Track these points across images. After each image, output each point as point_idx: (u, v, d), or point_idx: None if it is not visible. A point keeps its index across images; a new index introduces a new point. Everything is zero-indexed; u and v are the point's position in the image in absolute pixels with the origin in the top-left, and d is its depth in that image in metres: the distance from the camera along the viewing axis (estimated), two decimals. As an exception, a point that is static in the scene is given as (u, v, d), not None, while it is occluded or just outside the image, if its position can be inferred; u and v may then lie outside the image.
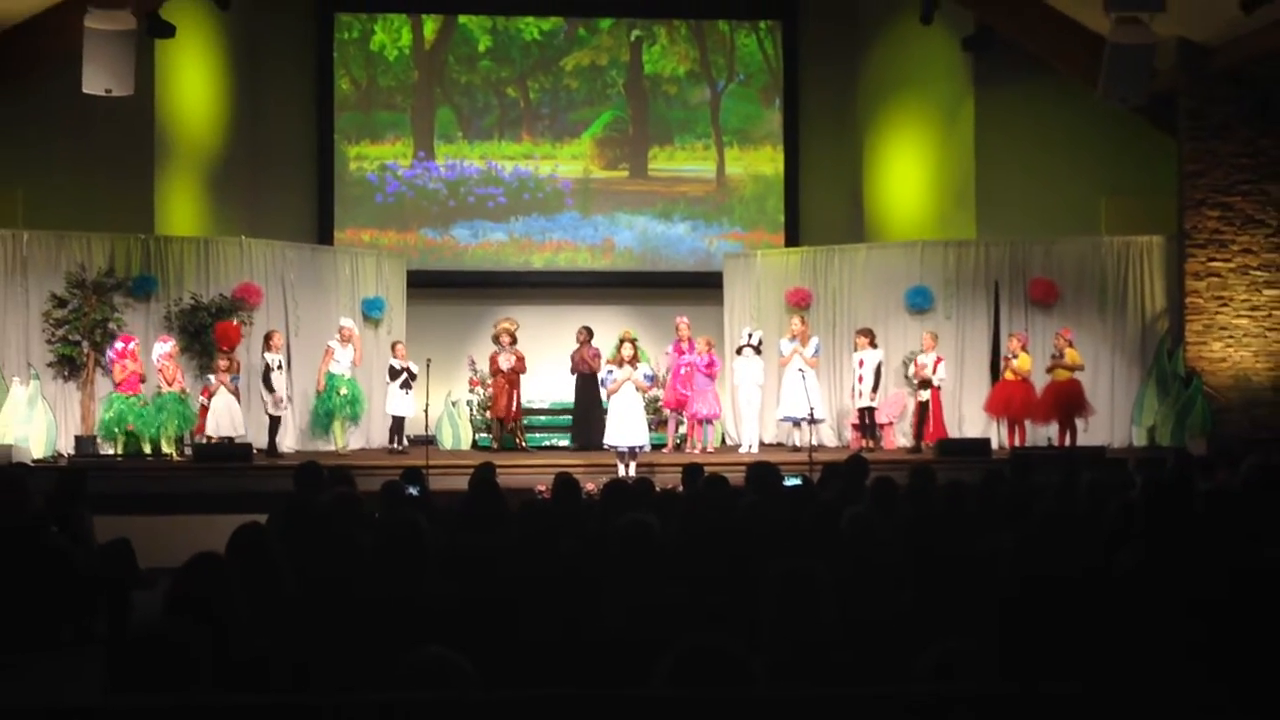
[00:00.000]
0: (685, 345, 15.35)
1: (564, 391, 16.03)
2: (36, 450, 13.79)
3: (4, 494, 8.03)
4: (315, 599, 4.74)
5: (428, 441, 14.72)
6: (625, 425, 13.56)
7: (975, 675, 3.29)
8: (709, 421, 15.34)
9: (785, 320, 16.19)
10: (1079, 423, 14.80)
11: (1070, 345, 14.79)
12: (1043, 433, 15.12)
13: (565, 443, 15.90)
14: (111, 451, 14.00)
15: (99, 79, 12.68)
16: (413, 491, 8.11)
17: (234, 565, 4.60)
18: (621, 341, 14.15)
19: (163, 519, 11.33)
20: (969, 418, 15.77)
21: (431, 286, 18.03)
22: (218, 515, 9.44)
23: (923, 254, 16.33)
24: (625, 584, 4.70)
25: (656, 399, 15.54)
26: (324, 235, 18.42)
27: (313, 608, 4.62)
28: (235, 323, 14.95)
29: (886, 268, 16.43)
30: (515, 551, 5.49)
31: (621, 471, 13.06)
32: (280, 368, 14.75)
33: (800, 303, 16.50)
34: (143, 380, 14.14)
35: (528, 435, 16.05)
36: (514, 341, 15.75)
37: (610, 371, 13.94)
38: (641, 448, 13.71)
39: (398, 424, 15.44)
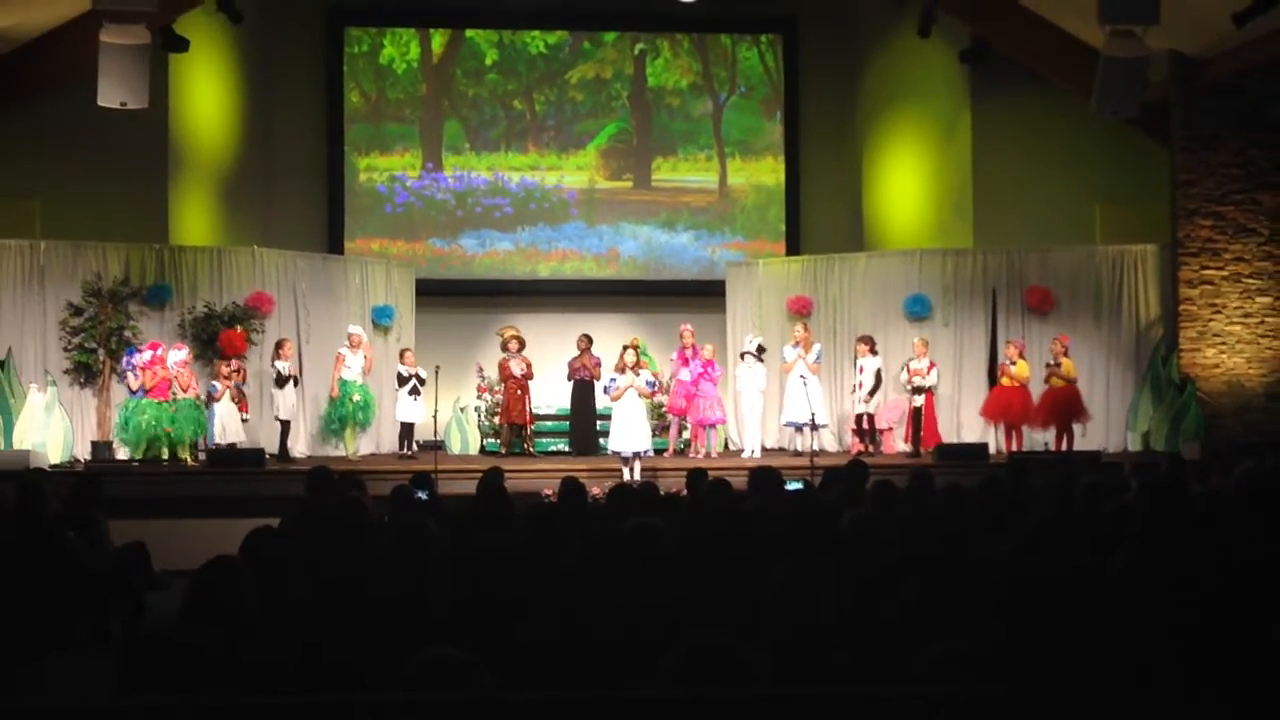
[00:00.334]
0: (690, 352, 15.61)
1: (568, 398, 16.25)
2: (53, 456, 13.98)
3: (22, 499, 8.24)
4: (327, 601, 4.82)
5: (436, 447, 14.93)
6: (628, 431, 13.80)
7: (972, 676, 3.35)
8: (713, 427, 15.61)
9: (787, 328, 16.42)
10: (1076, 428, 15.02)
11: (1066, 353, 14.97)
12: (1039, 438, 15.30)
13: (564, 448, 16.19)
14: (128, 457, 14.18)
15: (114, 92, 12.79)
16: (422, 496, 8.23)
17: (247, 568, 4.67)
18: (625, 348, 14.39)
19: (177, 523, 11.53)
20: (967, 423, 15.96)
21: (440, 295, 18.25)
22: (230, 519, 9.60)
23: (921, 262, 16.53)
24: (632, 585, 4.78)
25: (660, 404, 15.78)
26: (334, 245, 18.66)
27: (324, 609, 4.69)
28: (240, 330, 15.18)
29: (886, 276, 16.63)
30: (522, 553, 5.57)
31: (625, 476, 13.31)
32: (290, 375, 14.99)
33: (801, 310, 16.72)
34: (170, 387, 14.33)
35: (535, 441, 16.31)
36: (522, 347, 16.00)
37: (613, 378, 14.16)
38: (645, 453, 13.94)
39: (407, 430, 15.65)
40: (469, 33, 19.32)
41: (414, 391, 15.48)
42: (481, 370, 16.62)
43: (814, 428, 14.53)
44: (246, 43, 18.04)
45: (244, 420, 14.78)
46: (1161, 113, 15.35)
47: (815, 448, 14.57)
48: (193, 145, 17.16)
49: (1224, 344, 15.24)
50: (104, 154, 15.98)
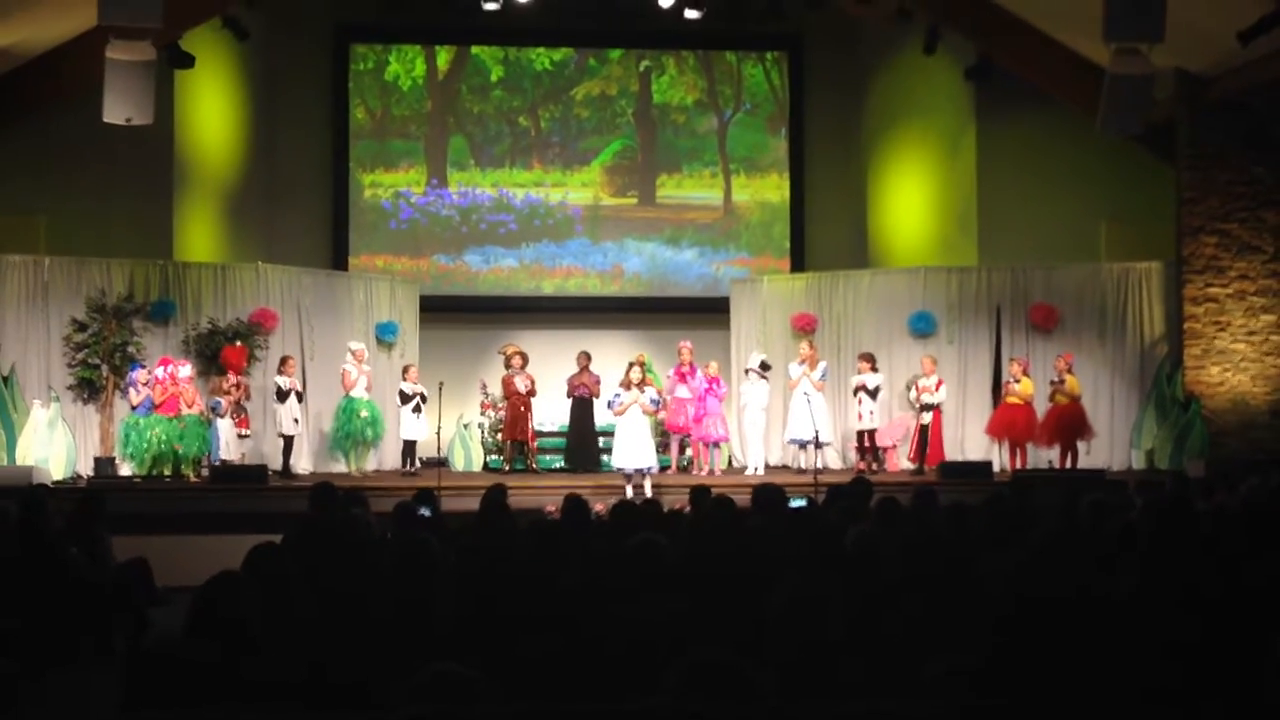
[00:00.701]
0: (687, 369, 15.60)
1: (568, 415, 16.22)
2: (56, 472, 13.98)
3: (25, 514, 8.25)
4: (330, 617, 4.82)
5: (439, 463, 14.94)
6: (632, 447, 13.78)
7: (974, 691, 3.35)
8: (716, 444, 15.59)
9: (791, 345, 16.43)
10: (1080, 445, 14.99)
11: (1070, 370, 14.96)
12: (1044, 455, 15.29)
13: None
14: (132, 473, 14.19)
15: (119, 109, 12.80)
16: (425, 512, 8.23)
17: (251, 584, 4.65)
18: (631, 365, 14.36)
19: (179, 539, 11.53)
20: (971, 441, 15.96)
21: (444, 311, 18.26)
22: (233, 535, 9.60)
23: (926, 280, 16.54)
24: (635, 602, 4.77)
25: (660, 421, 15.76)
26: (339, 261, 18.67)
27: (328, 626, 4.70)
28: (241, 346, 15.15)
29: (890, 293, 16.64)
30: (525, 570, 5.58)
31: (629, 493, 13.28)
32: (290, 390, 14.98)
33: (806, 327, 16.72)
34: (180, 403, 14.31)
35: (538, 457, 16.30)
36: (525, 364, 16.01)
37: (618, 394, 14.14)
38: (649, 469, 13.93)
39: (409, 447, 15.66)
40: (474, 49, 19.37)
41: (417, 409, 15.49)
42: (485, 387, 16.62)
43: (818, 445, 14.52)
44: (252, 59, 18.09)
45: (243, 436, 14.80)
46: (1167, 130, 15.36)
47: (819, 465, 14.55)
48: (198, 161, 17.21)
49: (1228, 362, 15.22)
50: (109, 170, 16.03)
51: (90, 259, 15.38)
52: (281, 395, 14.93)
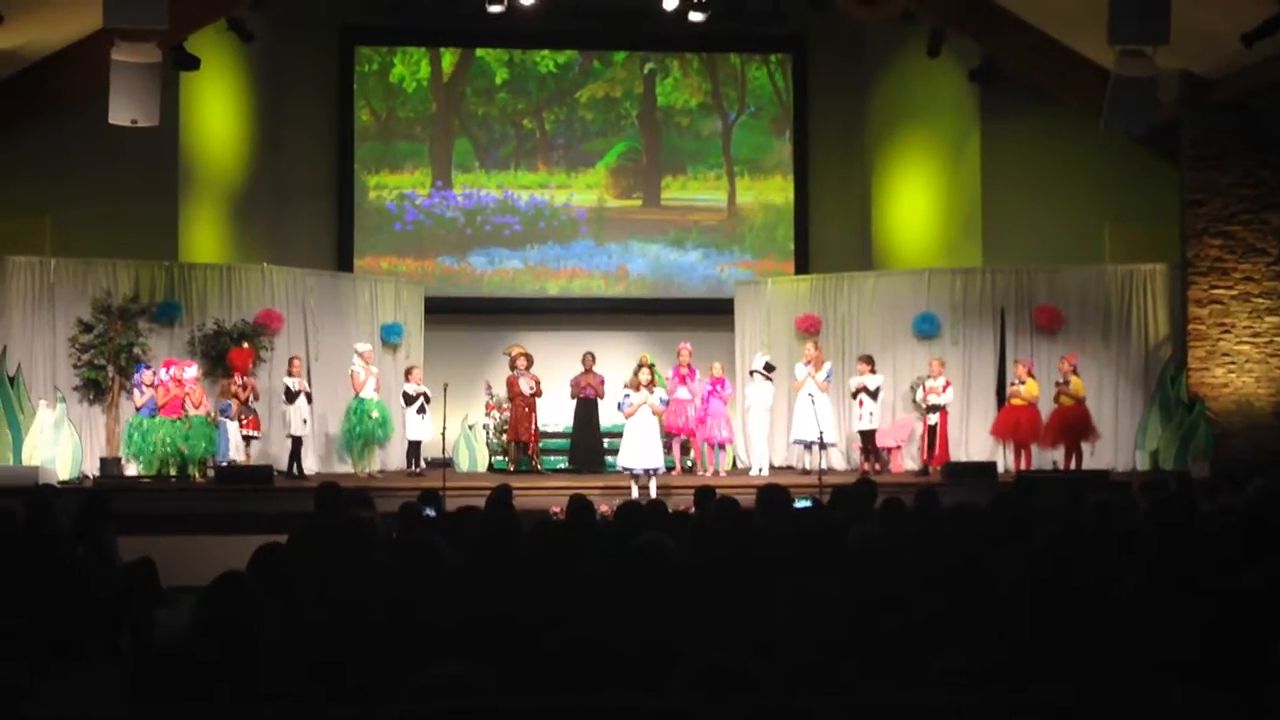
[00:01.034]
0: (686, 370, 15.61)
1: (573, 416, 16.23)
2: (62, 472, 14.00)
3: (31, 515, 8.26)
4: (335, 617, 4.81)
5: (445, 464, 14.97)
6: (641, 448, 13.78)
7: (978, 689, 3.37)
8: (721, 446, 15.59)
9: (795, 346, 16.45)
10: (1084, 447, 15.00)
11: (1075, 371, 14.97)
12: (1048, 456, 15.30)
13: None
14: (138, 473, 14.23)
15: (125, 110, 12.83)
16: (430, 513, 8.29)
17: (257, 584, 4.67)
18: (640, 366, 14.37)
19: (185, 539, 11.52)
20: (975, 442, 15.97)
21: (449, 313, 18.31)
22: (238, 536, 9.60)
23: (930, 281, 16.57)
24: (642, 601, 4.79)
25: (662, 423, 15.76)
26: (344, 262, 18.71)
27: (333, 626, 4.69)
28: (247, 348, 15.19)
29: (894, 295, 16.66)
30: (530, 570, 5.57)
31: (635, 493, 13.29)
32: (299, 391, 15.01)
33: (810, 329, 16.74)
34: (183, 405, 14.34)
35: (543, 458, 16.32)
36: (530, 365, 16.04)
37: (627, 395, 14.12)
38: (657, 470, 13.94)
39: (414, 447, 15.71)
40: (479, 52, 19.40)
41: (421, 410, 15.53)
42: (490, 388, 16.65)
43: (822, 446, 14.53)
44: (257, 61, 18.13)
45: (250, 437, 14.83)
46: (1171, 132, 15.36)
47: (823, 466, 14.57)
48: (203, 163, 17.24)
49: (1233, 363, 15.22)
50: (115, 172, 16.03)
51: (96, 260, 15.42)
52: (290, 396, 14.97)
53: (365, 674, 4.20)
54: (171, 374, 14.37)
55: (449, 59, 19.41)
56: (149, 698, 3.74)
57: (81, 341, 15.07)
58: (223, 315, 15.59)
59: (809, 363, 15.50)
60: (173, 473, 14.18)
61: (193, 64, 15.93)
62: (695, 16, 16.91)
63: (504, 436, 16.18)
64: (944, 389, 15.29)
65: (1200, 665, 4.12)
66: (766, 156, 19.61)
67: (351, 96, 19.11)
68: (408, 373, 15.88)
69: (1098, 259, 16.76)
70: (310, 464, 15.46)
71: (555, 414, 16.82)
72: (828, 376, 15.49)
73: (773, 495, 8.07)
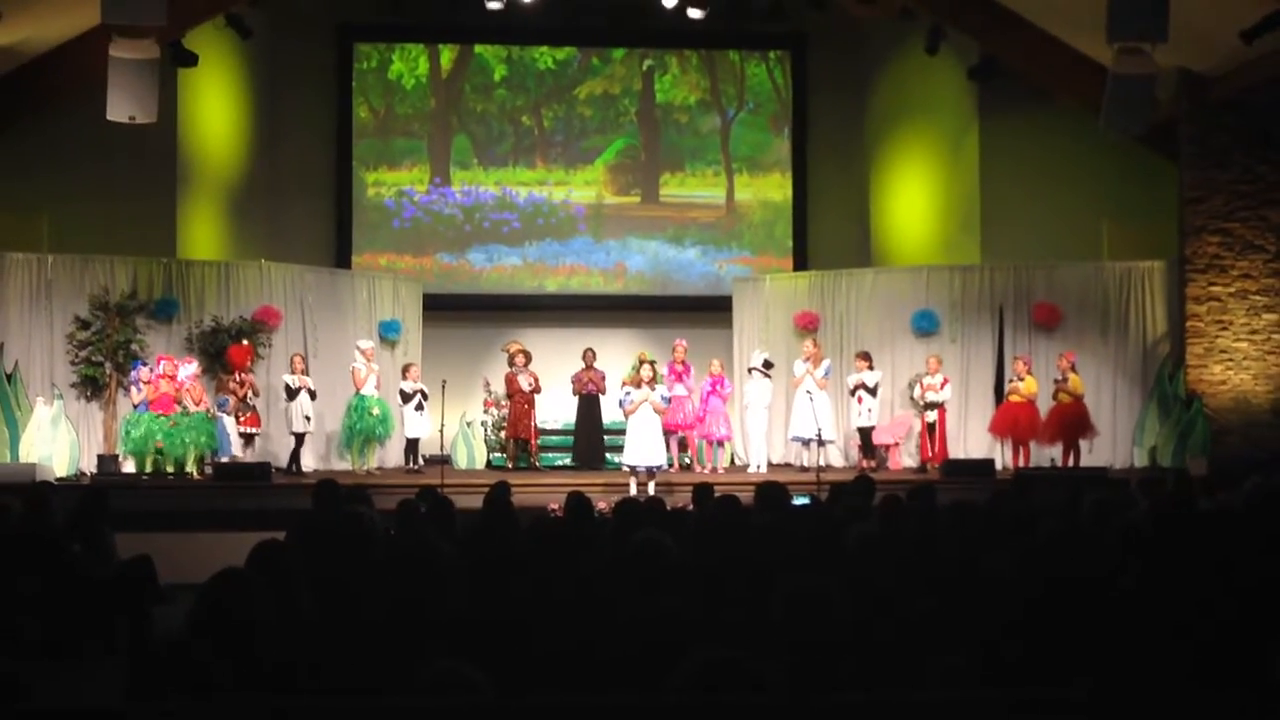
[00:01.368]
0: (681, 367, 15.60)
1: (573, 412, 16.24)
2: (60, 469, 13.99)
3: (29, 511, 8.25)
4: (333, 613, 4.81)
5: (443, 461, 14.96)
6: (644, 445, 13.77)
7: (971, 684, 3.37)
8: (720, 443, 15.59)
9: (793, 343, 16.44)
10: (1083, 444, 15.01)
11: (1073, 368, 14.97)
12: (1046, 454, 15.30)
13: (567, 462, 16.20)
14: (134, 470, 14.24)
15: (123, 107, 12.85)
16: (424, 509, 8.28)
17: (255, 580, 4.61)
18: (641, 363, 14.33)
19: (183, 536, 11.50)
20: (973, 439, 15.97)
21: (447, 310, 18.30)
22: (237, 533, 9.59)
23: (928, 278, 16.56)
24: (640, 598, 4.75)
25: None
26: (342, 259, 18.71)
27: (330, 622, 4.69)
28: (246, 344, 15.19)
29: (893, 292, 16.66)
30: (528, 567, 5.56)
31: (633, 490, 13.29)
32: (299, 388, 14.99)
33: (808, 326, 16.73)
34: (176, 402, 14.29)
35: (541, 455, 16.31)
36: (529, 361, 16.03)
37: (628, 392, 14.10)
38: (659, 467, 13.94)
39: (412, 445, 15.71)
40: (478, 49, 19.39)
41: (419, 407, 15.53)
42: (488, 385, 16.64)
43: (820, 443, 14.53)
44: (255, 58, 18.12)
45: (249, 434, 14.83)
46: (1170, 130, 15.37)
47: (822, 463, 14.56)
48: (201, 160, 17.23)
49: (1230, 360, 15.23)
50: (112, 168, 16.04)
51: (94, 257, 15.42)
52: (291, 393, 14.96)
53: (362, 671, 4.19)
54: (162, 370, 14.34)
55: (447, 56, 19.40)
56: (147, 694, 3.74)
57: (79, 338, 15.07)
58: (221, 312, 15.59)
59: (807, 360, 15.50)
60: (170, 470, 14.16)
61: (191, 60, 15.91)
62: (694, 13, 16.89)
63: (502, 434, 16.17)
64: (942, 386, 15.30)
65: (1199, 663, 4.10)
66: (765, 153, 19.61)
67: (350, 93, 19.10)
68: (405, 370, 15.88)
69: (1096, 256, 16.76)
70: (308, 461, 15.46)
71: (554, 411, 16.82)
72: (826, 373, 15.48)
73: (771, 492, 8.07)
